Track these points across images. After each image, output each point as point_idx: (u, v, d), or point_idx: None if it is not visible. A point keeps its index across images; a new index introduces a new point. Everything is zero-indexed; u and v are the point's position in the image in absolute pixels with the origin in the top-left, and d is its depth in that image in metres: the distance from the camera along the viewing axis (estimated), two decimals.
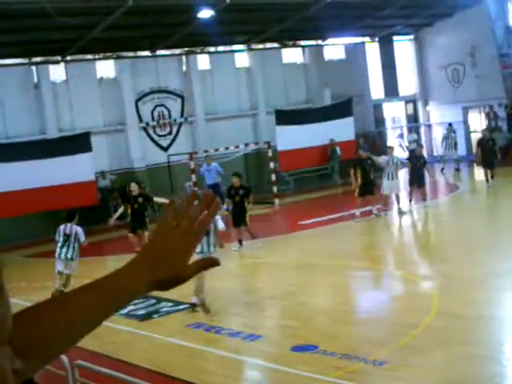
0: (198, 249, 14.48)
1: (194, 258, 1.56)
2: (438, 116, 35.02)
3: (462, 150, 31.37)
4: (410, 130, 36.08)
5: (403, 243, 18.84)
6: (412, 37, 35.60)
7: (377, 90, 35.06)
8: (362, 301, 13.51)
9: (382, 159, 21.49)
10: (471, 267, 13.67)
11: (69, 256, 14.52)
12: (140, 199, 18.62)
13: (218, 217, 16.16)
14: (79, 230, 14.66)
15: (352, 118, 30.52)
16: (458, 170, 29.83)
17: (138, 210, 18.45)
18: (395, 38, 35.11)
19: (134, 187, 18.79)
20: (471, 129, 34.10)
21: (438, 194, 25.77)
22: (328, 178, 30.73)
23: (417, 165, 21.56)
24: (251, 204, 18.72)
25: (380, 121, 35.45)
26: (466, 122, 34.03)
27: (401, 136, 35.17)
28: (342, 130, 29.61)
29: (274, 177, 26.43)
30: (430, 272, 14.75)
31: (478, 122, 33.78)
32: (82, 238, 14.63)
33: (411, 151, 25.46)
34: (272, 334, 11.45)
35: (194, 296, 12.58)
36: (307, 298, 13.10)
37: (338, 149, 29.54)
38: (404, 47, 35.80)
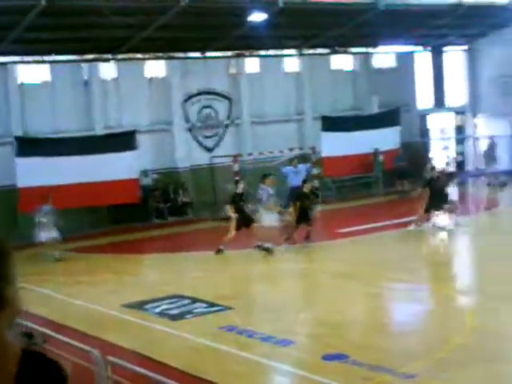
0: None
1: None
2: (485, 129, 34.41)
3: (507, 164, 30.85)
4: (456, 142, 35.53)
5: (441, 257, 18.60)
6: (465, 47, 34.96)
7: (425, 99, 34.63)
8: (396, 313, 13.43)
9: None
10: (508, 284, 13.43)
11: None
12: (244, 196, 19.46)
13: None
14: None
15: (399, 128, 30.41)
16: (504, 184, 29.12)
17: (243, 206, 19.11)
18: (447, 48, 34.58)
19: (240, 184, 19.69)
20: None
21: (480, 210, 25.37)
22: (371, 187, 30.51)
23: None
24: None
25: (425, 131, 35.01)
26: None
27: (446, 148, 34.63)
28: (387, 139, 29.48)
29: (316, 183, 26.36)
30: (465, 287, 14.64)
31: None
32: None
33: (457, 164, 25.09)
34: (304, 340, 11.43)
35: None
36: (342, 306, 13.05)
37: (380, 158, 29.38)
38: (455, 57, 35.25)
